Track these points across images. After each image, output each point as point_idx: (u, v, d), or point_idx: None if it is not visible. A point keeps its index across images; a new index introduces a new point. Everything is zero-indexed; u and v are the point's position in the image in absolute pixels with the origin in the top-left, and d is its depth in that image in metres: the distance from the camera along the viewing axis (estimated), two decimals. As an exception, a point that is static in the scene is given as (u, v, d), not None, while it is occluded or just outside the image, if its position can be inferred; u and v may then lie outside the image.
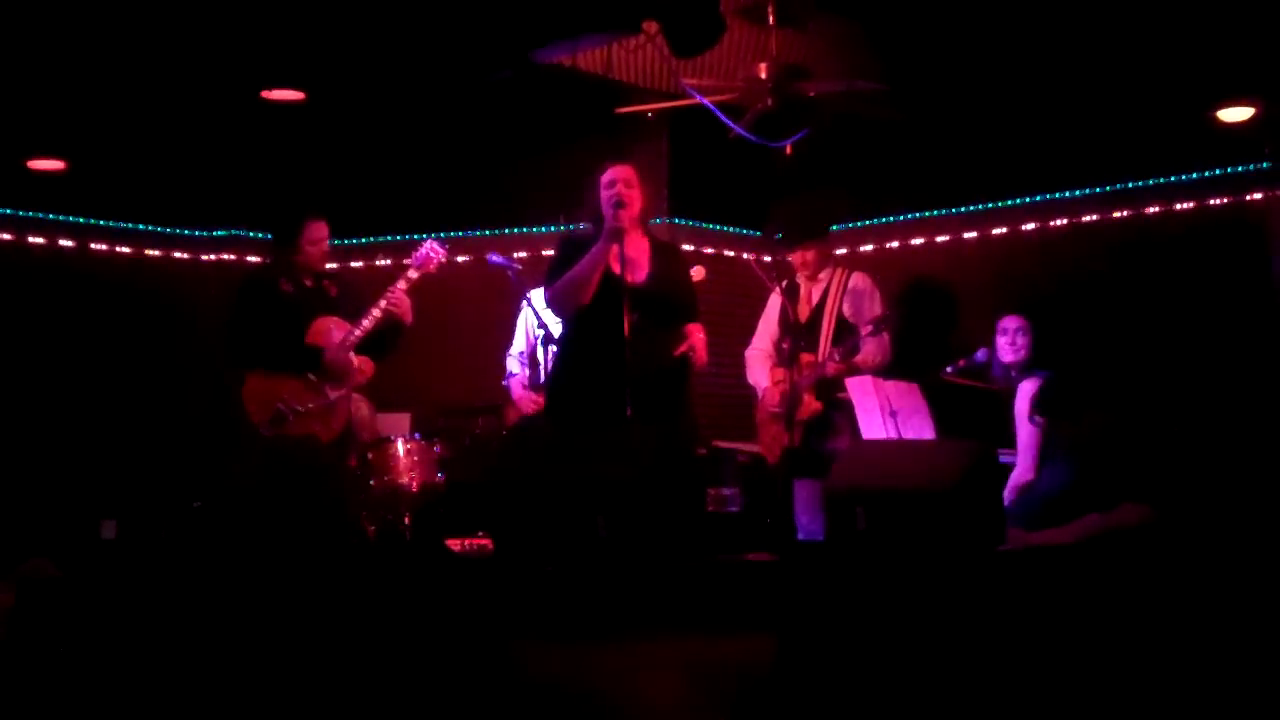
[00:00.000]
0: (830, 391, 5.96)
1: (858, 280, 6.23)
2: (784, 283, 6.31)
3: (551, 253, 5.18)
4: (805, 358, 5.95)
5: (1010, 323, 5.74)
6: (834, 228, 7.61)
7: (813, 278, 6.30)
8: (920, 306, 7.19)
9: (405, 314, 5.93)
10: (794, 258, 6.33)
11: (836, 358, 5.94)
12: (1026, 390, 5.31)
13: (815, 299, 6.26)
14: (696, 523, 4.93)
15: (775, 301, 6.38)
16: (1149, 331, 6.67)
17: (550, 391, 5.22)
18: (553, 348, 5.49)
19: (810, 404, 5.93)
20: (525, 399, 6.32)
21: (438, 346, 7.21)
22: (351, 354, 5.84)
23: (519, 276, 6.44)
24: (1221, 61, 6.20)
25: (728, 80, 6.24)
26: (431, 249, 6.00)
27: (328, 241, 6.04)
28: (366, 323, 5.82)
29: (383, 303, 5.84)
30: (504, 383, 6.49)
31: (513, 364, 6.44)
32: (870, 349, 6.07)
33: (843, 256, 7.56)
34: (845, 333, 6.08)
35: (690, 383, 5.24)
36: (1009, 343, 5.73)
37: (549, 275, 5.03)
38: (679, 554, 4.57)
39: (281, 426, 5.63)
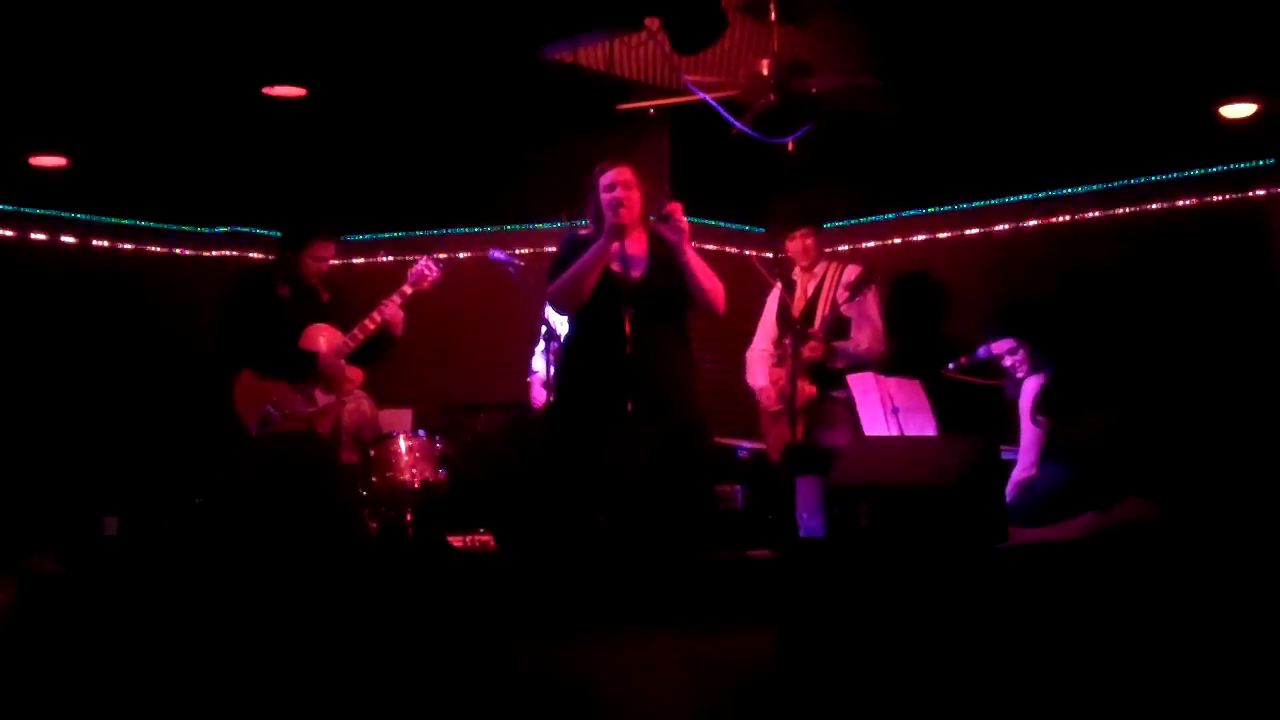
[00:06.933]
0: (826, 378, 5.98)
1: (852, 272, 6.24)
2: (780, 280, 6.34)
3: (554, 249, 5.20)
4: (803, 351, 5.95)
5: (1001, 347, 5.50)
6: (834, 224, 7.65)
7: (810, 268, 6.32)
8: (914, 303, 7.20)
9: (397, 327, 6.12)
10: (792, 246, 6.35)
11: (819, 337, 5.97)
12: (1030, 388, 5.30)
13: (810, 292, 6.29)
14: (699, 518, 4.93)
15: (773, 301, 6.41)
16: (1151, 328, 6.66)
17: (557, 389, 5.26)
18: (554, 345, 5.53)
19: (805, 389, 5.91)
20: (542, 396, 6.35)
21: (440, 343, 7.22)
22: (344, 363, 5.99)
23: (520, 273, 6.47)
24: (1224, 57, 6.19)
25: (730, 76, 6.23)
26: (426, 266, 6.19)
27: (330, 262, 6.24)
28: (359, 333, 5.99)
29: (376, 315, 6.01)
30: (528, 379, 6.54)
31: (537, 361, 6.46)
32: (862, 336, 6.10)
33: (843, 253, 7.56)
34: (838, 322, 6.11)
35: (696, 378, 5.25)
36: (1010, 365, 5.49)
37: (550, 274, 5.07)
38: (680, 550, 4.57)
39: (269, 429, 5.75)
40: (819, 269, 6.34)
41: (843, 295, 6.08)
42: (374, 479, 5.99)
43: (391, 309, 6.08)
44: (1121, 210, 7.04)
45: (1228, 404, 6.36)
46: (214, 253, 7.94)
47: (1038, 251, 7.18)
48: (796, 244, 6.33)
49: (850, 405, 5.68)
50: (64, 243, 7.57)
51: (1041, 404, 5.18)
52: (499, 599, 4.06)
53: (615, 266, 5.00)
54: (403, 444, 6.07)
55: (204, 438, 7.11)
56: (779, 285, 6.36)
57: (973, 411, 5.71)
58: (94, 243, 7.66)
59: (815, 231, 6.36)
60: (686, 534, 4.63)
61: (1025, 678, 3.56)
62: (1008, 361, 5.48)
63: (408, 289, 6.15)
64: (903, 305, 7.04)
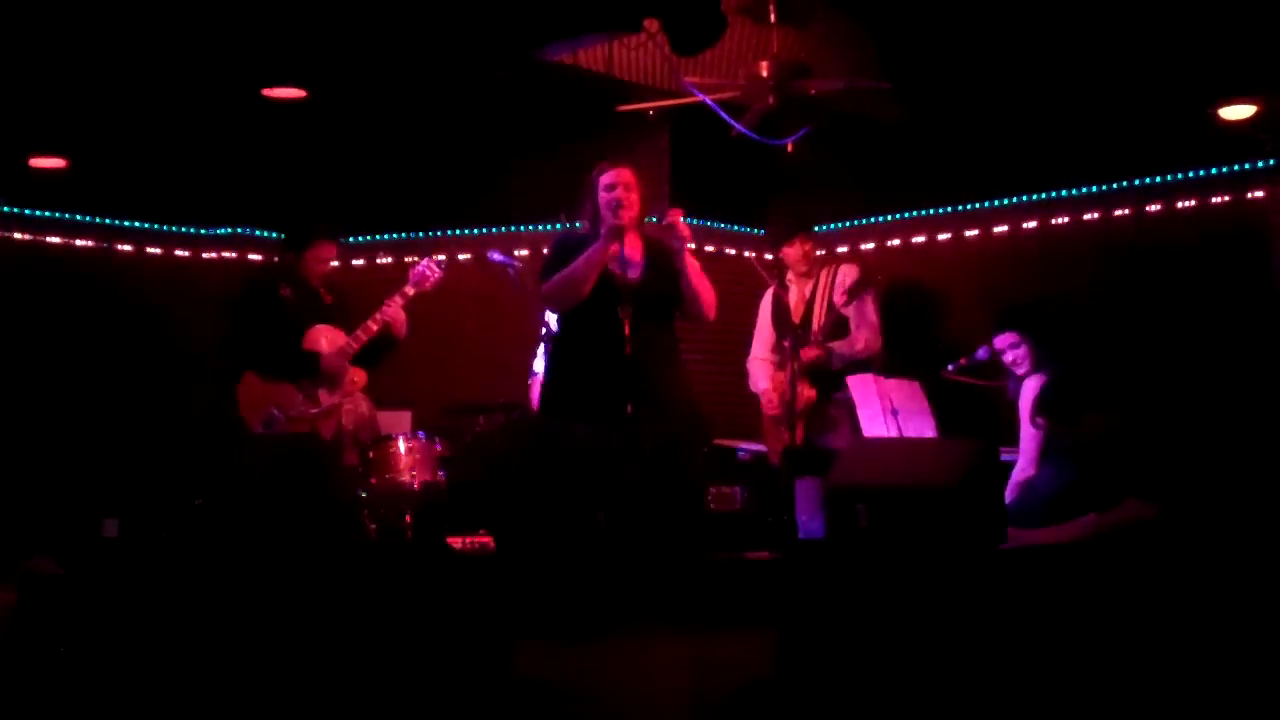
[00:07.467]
0: (826, 381, 5.98)
1: (847, 272, 6.25)
2: (776, 283, 6.34)
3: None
4: (803, 353, 5.95)
5: (1003, 341, 5.49)
6: (833, 226, 7.66)
7: (810, 274, 6.33)
8: (914, 305, 7.20)
9: (400, 329, 6.11)
10: (791, 253, 6.35)
11: (818, 340, 5.97)
12: (1031, 388, 5.30)
13: (807, 295, 6.29)
14: (696, 520, 4.92)
15: (766, 307, 6.42)
16: (1150, 330, 6.66)
17: (547, 389, 5.22)
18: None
19: (805, 392, 5.91)
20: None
21: (439, 344, 7.21)
22: (347, 363, 5.99)
23: (520, 274, 6.47)
24: (1223, 59, 6.19)
25: (729, 78, 6.24)
26: (428, 267, 6.18)
27: (331, 263, 6.24)
28: (362, 334, 6.00)
29: (379, 316, 6.01)
30: (529, 380, 6.55)
31: (538, 363, 6.46)
32: (860, 335, 6.11)
33: (841, 254, 7.56)
34: (836, 324, 6.12)
35: (689, 380, 5.24)
36: (1011, 361, 5.49)
37: (544, 272, 5.05)
38: (679, 552, 4.57)
39: (273, 430, 5.75)
40: (814, 271, 6.35)
41: (841, 298, 6.09)
42: (373, 480, 5.99)
43: (394, 310, 6.08)
44: (1120, 212, 7.04)
45: (1227, 405, 6.36)
46: (213, 254, 7.94)
47: (1037, 253, 7.18)
48: (796, 250, 6.33)
49: (850, 407, 5.68)
50: (64, 245, 7.57)
51: (1041, 406, 5.19)
52: (498, 601, 4.06)
53: (613, 267, 4.99)
54: (402, 446, 6.07)
55: (204, 440, 7.12)
56: (771, 292, 6.37)
57: (972, 413, 5.71)
58: (93, 245, 7.65)
59: (814, 237, 6.38)
60: (680, 536, 4.64)
61: (1025, 679, 3.56)
62: (1009, 357, 5.47)
63: (410, 290, 6.14)
64: (902, 307, 7.04)
